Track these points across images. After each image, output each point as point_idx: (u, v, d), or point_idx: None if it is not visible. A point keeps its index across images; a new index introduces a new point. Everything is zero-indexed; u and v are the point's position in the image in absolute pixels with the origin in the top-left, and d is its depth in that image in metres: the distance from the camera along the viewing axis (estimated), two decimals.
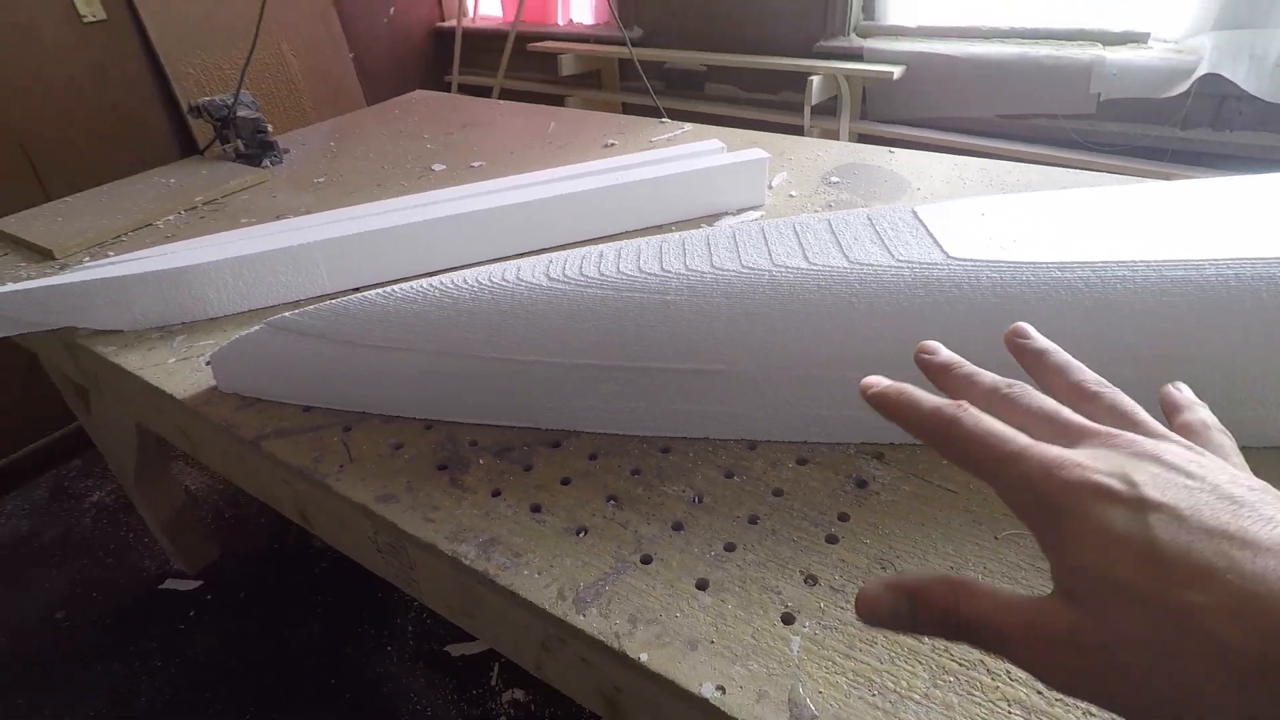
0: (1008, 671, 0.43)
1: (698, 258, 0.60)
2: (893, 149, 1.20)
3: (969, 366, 0.33)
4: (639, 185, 0.93)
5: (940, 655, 0.44)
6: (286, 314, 0.66)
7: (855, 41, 1.97)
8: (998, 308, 0.53)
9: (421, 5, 2.77)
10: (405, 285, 0.64)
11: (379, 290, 0.65)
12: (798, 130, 1.94)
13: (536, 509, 0.56)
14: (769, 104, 2.20)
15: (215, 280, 0.83)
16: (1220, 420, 0.29)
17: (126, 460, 1.30)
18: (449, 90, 2.45)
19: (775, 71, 2.07)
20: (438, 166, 1.26)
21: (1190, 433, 0.28)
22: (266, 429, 0.66)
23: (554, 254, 0.65)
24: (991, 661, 0.43)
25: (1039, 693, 0.41)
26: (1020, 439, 0.26)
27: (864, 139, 1.99)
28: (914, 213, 0.63)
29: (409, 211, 0.90)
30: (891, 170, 1.11)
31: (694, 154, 1.04)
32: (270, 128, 1.33)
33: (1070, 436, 0.27)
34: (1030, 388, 0.30)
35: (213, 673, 1.41)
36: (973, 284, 0.54)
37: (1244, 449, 0.28)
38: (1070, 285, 0.52)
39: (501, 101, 1.68)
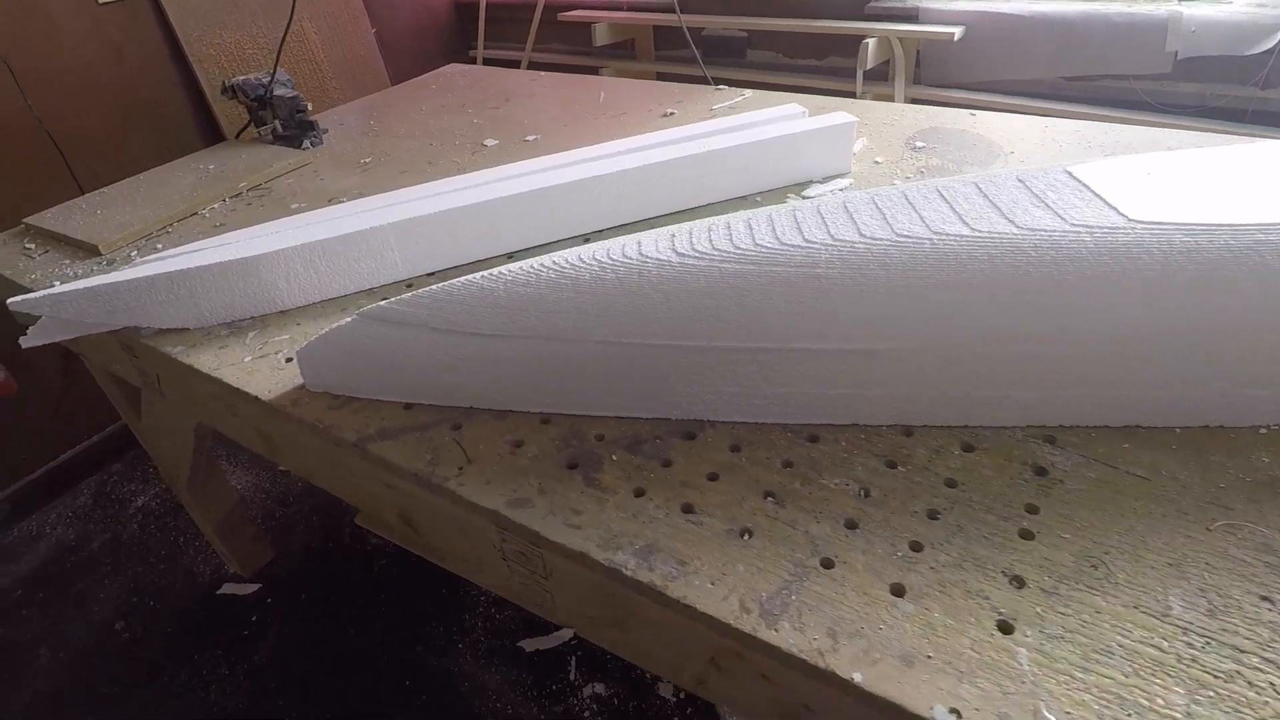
0: (1272, 684, 0.38)
1: (842, 226, 0.54)
2: (973, 111, 1.13)
3: None
4: (723, 154, 0.87)
5: (1189, 666, 0.39)
6: (381, 303, 0.61)
7: (910, 1, 1.87)
8: (1196, 275, 0.47)
9: None
10: (514, 266, 0.59)
11: (484, 273, 0.59)
12: (850, 97, 1.86)
13: (688, 509, 0.51)
14: (815, 70, 2.11)
15: (286, 270, 0.77)
16: None
17: (180, 463, 1.26)
18: (473, 64, 2.38)
19: (823, 35, 1.98)
20: (490, 142, 1.19)
21: None
22: (369, 429, 0.61)
23: (674, 227, 0.60)
24: (1250, 672, 0.38)
25: None
26: None
27: (919, 105, 1.91)
28: (1069, 173, 0.57)
29: (479, 189, 0.85)
30: (977, 134, 1.04)
31: (772, 120, 0.98)
32: (309, 106, 1.27)
33: None
34: None
35: (283, 679, 1.37)
36: (1164, 249, 0.48)
37: None
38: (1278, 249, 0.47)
39: (538, 72, 1.61)
